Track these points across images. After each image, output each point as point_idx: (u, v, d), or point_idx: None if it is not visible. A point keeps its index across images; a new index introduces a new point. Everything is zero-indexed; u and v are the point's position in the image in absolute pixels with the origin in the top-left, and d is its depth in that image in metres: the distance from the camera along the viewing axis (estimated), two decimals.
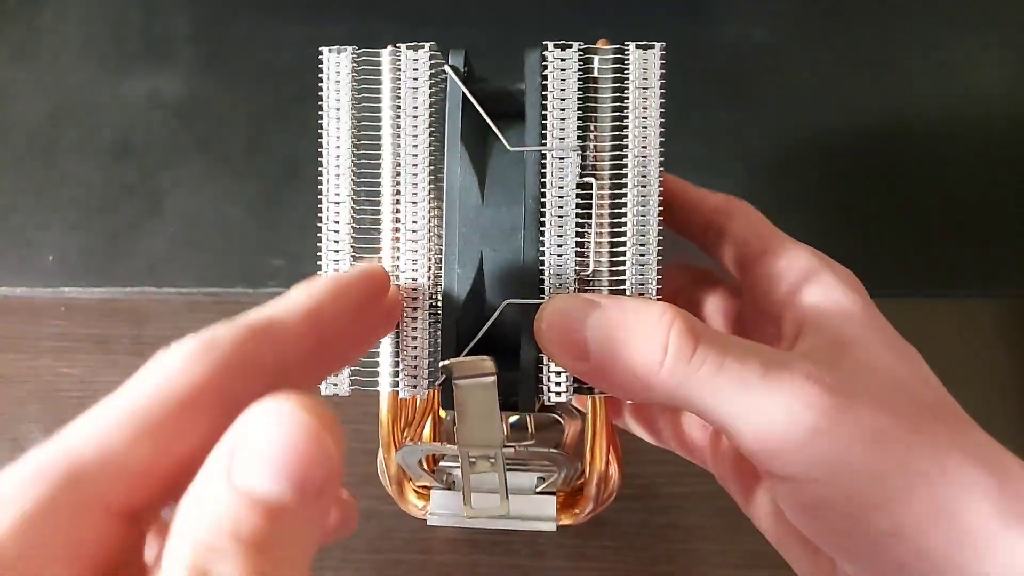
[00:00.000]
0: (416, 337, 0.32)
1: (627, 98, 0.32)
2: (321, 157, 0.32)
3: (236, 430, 0.20)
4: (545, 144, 0.32)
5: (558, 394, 0.32)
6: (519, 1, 0.63)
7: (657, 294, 0.32)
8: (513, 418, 0.45)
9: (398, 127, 0.32)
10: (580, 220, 0.32)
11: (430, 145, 0.32)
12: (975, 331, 0.54)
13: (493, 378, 0.31)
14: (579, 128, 0.32)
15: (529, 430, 0.45)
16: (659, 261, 0.32)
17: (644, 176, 0.32)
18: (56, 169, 0.61)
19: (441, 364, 0.31)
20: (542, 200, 0.32)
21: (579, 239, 0.32)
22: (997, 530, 0.27)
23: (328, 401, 0.29)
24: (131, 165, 0.60)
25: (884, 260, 0.56)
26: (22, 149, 0.61)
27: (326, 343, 0.25)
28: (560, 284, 0.32)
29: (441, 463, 0.41)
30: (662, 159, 0.32)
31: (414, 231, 0.32)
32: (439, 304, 0.33)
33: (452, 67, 0.32)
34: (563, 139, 0.31)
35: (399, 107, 0.32)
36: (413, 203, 0.32)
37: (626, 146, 0.32)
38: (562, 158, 0.31)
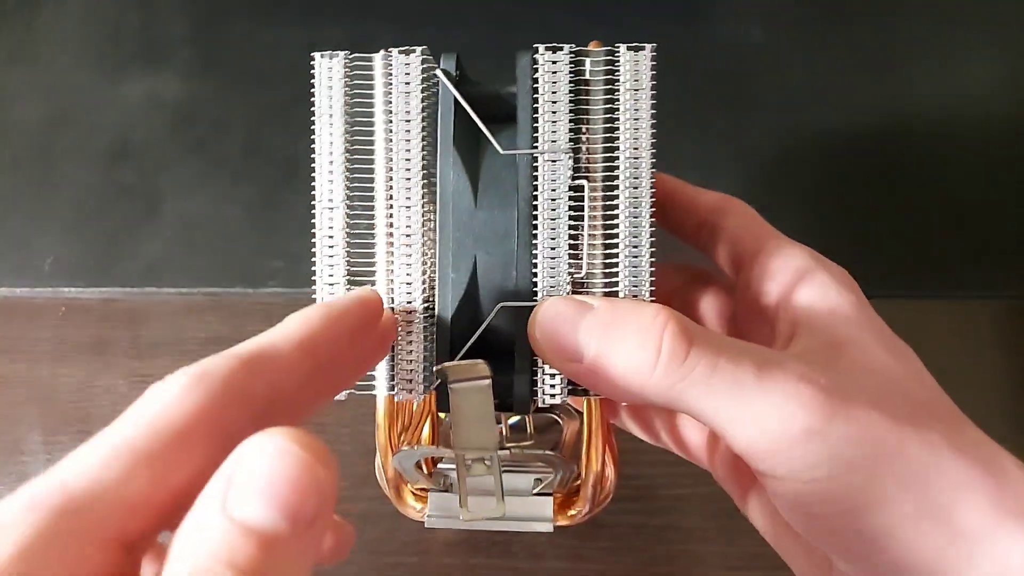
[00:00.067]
0: (411, 341, 0.32)
1: (619, 100, 0.32)
2: (314, 162, 0.32)
3: (231, 462, 0.20)
4: (537, 147, 0.32)
5: (552, 396, 0.32)
6: (516, 2, 0.63)
7: (650, 295, 0.32)
8: (513, 419, 0.45)
9: (390, 132, 0.32)
10: (573, 222, 0.32)
11: (423, 149, 0.32)
12: (973, 332, 0.54)
13: (488, 381, 0.31)
14: (571, 130, 0.32)
15: (528, 431, 0.45)
16: (652, 262, 0.32)
17: (636, 178, 0.32)
18: (54, 171, 0.61)
19: (436, 368, 0.31)
20: (534, 203, 0.32)
21: (572, 241, 0.32)
22: (991, 529, 0.27)
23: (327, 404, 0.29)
24: (129, 166, 0.60)
25: (882, 260, 0.56)
26: (20, 151, 0.61)
27: (321, 370, 0.26)
28: (553, 286, 0.32)
29: (439, 466, 0.41)
30: (654, 160, 0.32)
31: (408, 235, 0.32)
32: (434, 308, 0.33)
33: (444, 71, 0.32)
34: (555, 142, 0.31)
35: (391, 111, 0.32)
36: (407, 208, 0.32)
37: (618, 148, 0.32)
38: (554, 161, 0.31)
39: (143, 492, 0.21)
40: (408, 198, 0.32)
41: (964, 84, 0.60)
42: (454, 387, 0.31)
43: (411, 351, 0.32)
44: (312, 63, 0.32)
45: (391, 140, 0.32)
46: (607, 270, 0.32)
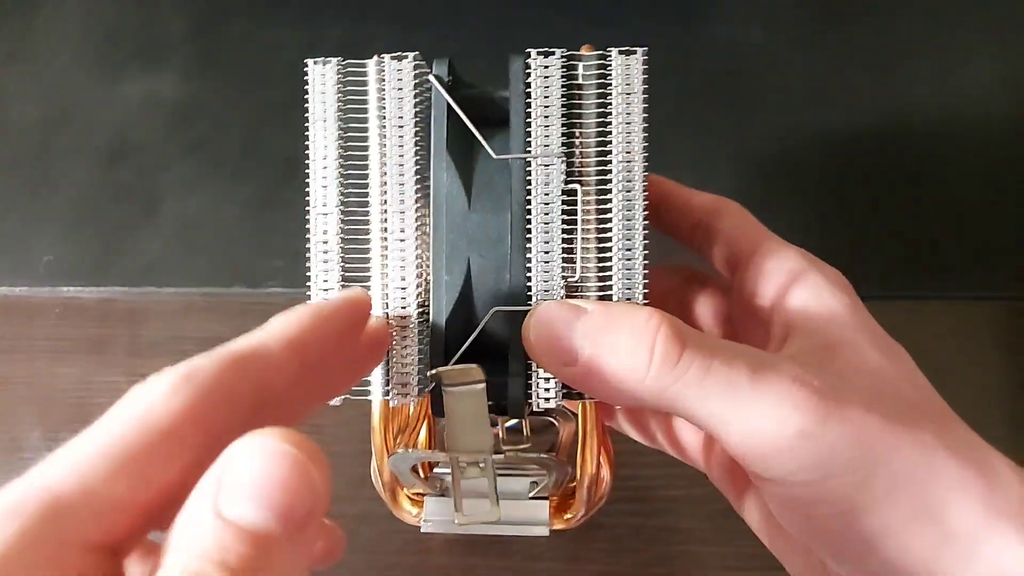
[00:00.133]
0: (406, 345, 0.32)
1: (611, 103, 0.32)
2: (308, 168, 0.32)
3: (222, 463, 0.20)
4: (530, 151, 0.32)
5: (547, 400, 0.32)
6: (516, 2, 0.63)
7: (644, 298, 0.32)
8: (510, 421, 0.45)
9: (384, 137, 0.32)
10: (566, 226, 0.32)
11: (416, 154, 0.32)
12: (972, 332, 0.54)
13: (482, 385, 0.31)
14: (564, 134, 0.32)
15: (525, 433, 0.45)
16: (645, 266, 0.32)
17: (629, 181, 0.32)
18: (53, 170, 0.61)
19: (430, 373, 0.31)
20: (528, 207, 0.32)
21: (566, 245, 0.32)
22: (984, 530, 0.27)
23: (318, 407, 0.29)
24: (128, 166, 0.61)
25: (882, 260, 0.56)
26: (19, 150, 0.62)
27: (310, 371, 0.25)
28: (547, 290, 0.31)
29: (435, 470, 0.41)
30: (647, 163, 0.32)
31: (402, 239, 0.32)
32: (428, 311, 0.33)
33: (436, 77, 0.32)
34: (547, 146, 0.31)
35: (384, 117, 0.32)
36: (400, 212, 0.32)
37: (611, 151, 0.32)
38: (547, 165, 0.31)
39: (128, 493, 0.20)
40: (402, 202, 0.32)
41: (963, 84, 0.60)
42: (448, 391, 0.31)
43: (405, 355, 0.32)
44: (305, 69, 0.32)
45: (385, 145, 0.32)
46: (601, 273, 0.32)
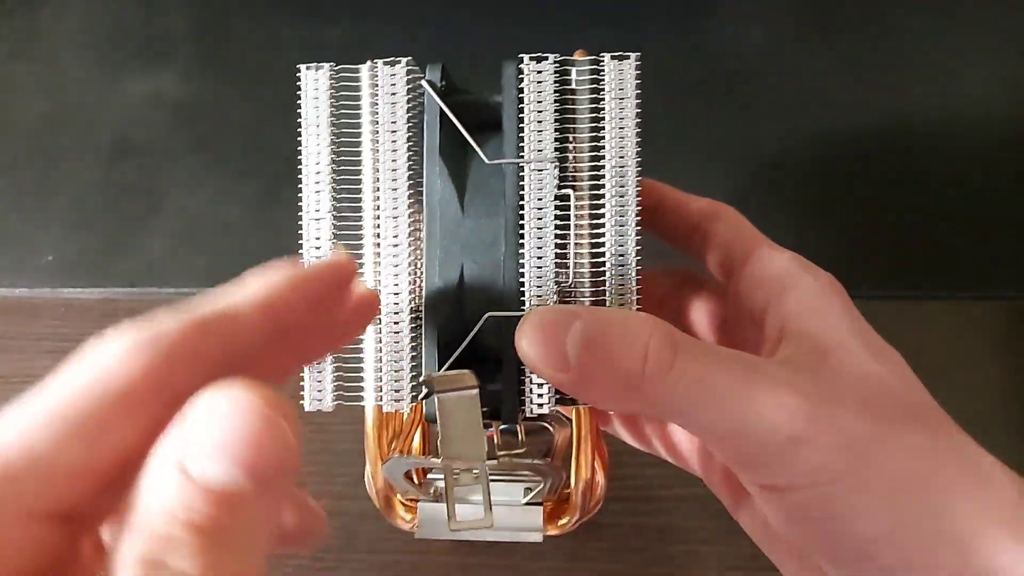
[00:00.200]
0: (399, 351, 0.32)
1: (604, 109, 0.32)
2: (301, 173, 0.32)
3: (186, 417, 0.19)
4: (523, 156, 0.31)
5: (540, 405, 0.32)
6: (516, 3, 0.63)
7: (637, 304, 0.32)
8: (504, 425, 0.45)
9: (377, 142, 0.32)
10: (559, 231, 0.31)
11: (409, 159, 0.32)
12: (972, 333, 0.54)
13: (475, 391, 0.30)
14: (557, 140, 0.31)
15: (520, 438, 0.45)
16: (639, 271, 0.32)
17: (622, 187, 0.32)
18: (55, 168, 0.61)
19: (422, 378, 0.31)
20: (521, 212, 0.32)
21: (559, 250, 0.32)
22: (978, 534, 0.27)
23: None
24: (130, 165, 0.61)
25: (882, 260, 0.55)
26: (21, 148, 0.62)
27: (284, 336, 0.24)
28: (540, 295, 0.31)
29: (429, 475, 0.41)
30: (640, 169, 0.32)
31: (395, 245, 0.32)
32: (421, 317, 0.33)
33: (429, 82, 0.32)
34: (540, 151, 0.31)
35: (377, 122, 0.32)
36: (393, 217, 0.32)
37: (604, 157, 0.32)
38: (540, 170, 0.31)
39: (81, 459, 0.19)
40: (395, 207, 0.32)
41: (963, 85, 0.60)
42: (441, 397, 0.30)
43: (398, 360, 0.32)
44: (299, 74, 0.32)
45: (377, 150, 0.32)
46: (594, 279, 0.32)
